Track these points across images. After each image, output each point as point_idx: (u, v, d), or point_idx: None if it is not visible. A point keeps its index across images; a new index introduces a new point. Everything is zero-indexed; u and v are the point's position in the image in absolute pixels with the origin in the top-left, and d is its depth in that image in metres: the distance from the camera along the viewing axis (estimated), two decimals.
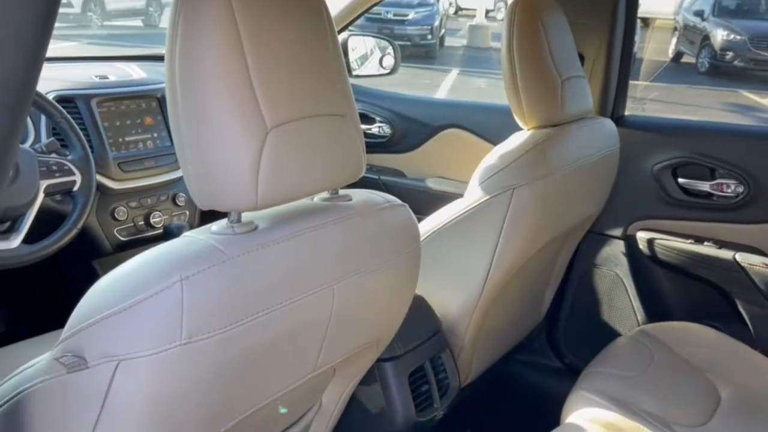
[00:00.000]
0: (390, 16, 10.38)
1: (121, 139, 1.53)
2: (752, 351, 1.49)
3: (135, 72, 1.69)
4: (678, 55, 10.89)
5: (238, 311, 0.66)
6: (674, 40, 11.00)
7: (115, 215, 1.53)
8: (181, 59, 0.67)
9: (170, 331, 0.62)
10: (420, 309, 1.30)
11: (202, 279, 0.63)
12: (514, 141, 1.33)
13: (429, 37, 10.66)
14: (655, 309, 1.73)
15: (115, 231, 1.54)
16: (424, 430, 1.27)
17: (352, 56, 2.19)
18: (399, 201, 0.90)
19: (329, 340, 0.82)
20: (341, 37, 2.08)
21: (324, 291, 0.76)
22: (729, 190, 1.61)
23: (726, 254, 1.60)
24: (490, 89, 7.98)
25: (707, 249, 1.63)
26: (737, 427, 1.27)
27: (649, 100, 7.32)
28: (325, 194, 0.84)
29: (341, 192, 0.84)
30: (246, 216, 0.73)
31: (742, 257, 1.57)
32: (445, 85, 8.60)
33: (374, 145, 2.12)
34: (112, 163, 1.49)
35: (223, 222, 0.72)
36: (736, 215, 1.62)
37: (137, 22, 11.57)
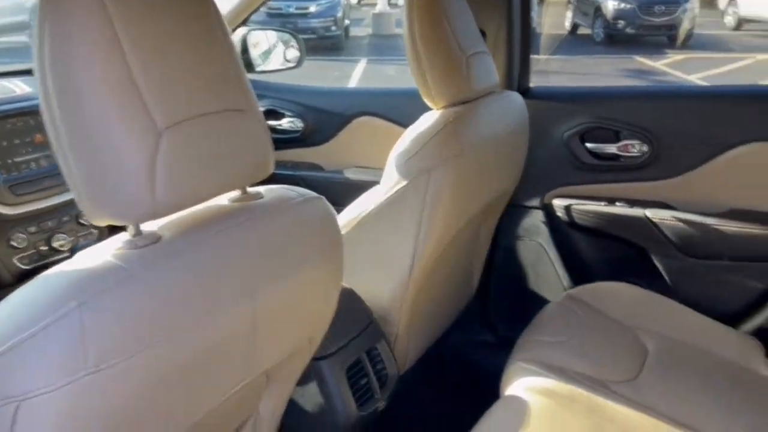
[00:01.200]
0: (292, 10, 10.23)
1: (10, 161, 1.42)
2: (671, 302, 1.55)
3: (19, 88, 1.57)
4: (574, 27, 11.32)
5: (150, 331, 0.61)
6: (569, 14, 11.43)
7: (13, 243, 1.41)
8: (52, 67, 0.61)
9: (74, 362, 0.56)
10: (350, 301, 1.27)
11: (103, 301, 0.58)
12: (425, 122, 1.32)
13: (333, 28, 10.59)
14: (579, 273, 1.78)
15: (14, 260, 1.42)
16: (367, 424, 1.25)
17: (255, 52, 2.13)
18: (314, 194, 0.87)
19: (257, 346, 0.78)
20: (240, 32, 2.01)
21: (244, 297, 0.72)
22: (634, 150, 1.67)
23: (637, 212, 1.66)
24: (400, 76, 8.01)
25: (620, 209, 1.69)
26: (666, 376, 1.32)
27: (552, 72, 7.56)
28: (234, 194, 0.80)
29: (251, 190, 0.80)
30: (148, 226, 0.68)
31: (652, 213, 1.64)
32: (356, 76, 8.58)
33: (288, 140, 2.07)
34: (3, 187, 1.37)
35: (123, 235, 0.66)
36: (643, 173, 1.68)
37: (23, 37, 10.87)
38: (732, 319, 1.57)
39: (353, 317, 1.26)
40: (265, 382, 0.95)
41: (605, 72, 8.36)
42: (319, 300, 0.89)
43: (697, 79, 7.77)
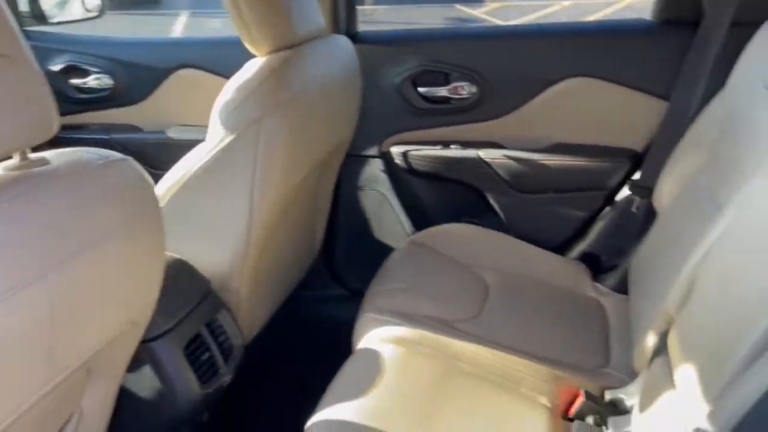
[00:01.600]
0: None
1: None
2: (507, 237, 1.61)
3: None
4: None
5: None
6: None
7: None
8: None
9: None
10: (181, 274, 1.16)
11: None
12: (249, 70, 1.21)
13: None
14: (420, 218, 1.79)
15: None
16: (214, 401, 1.16)
17: (48, 1, 1.86)
18: (120, 155, 0.75)
19: (61, 338, 0.66)
20: None
21: (34, 282, 0.59)
22: (464, 92, 1.69)
23: (471, 153, 1.69)
24: (228, 29, 7.59)
25: (454, 152, 1.70)
26: (506, 309, 1.37)
27: (379, 23, 7.59)
28: (12, 162, 0.65)
29: (34, 156, 0.66)
30: None
31: (485, 153, 1.68)
32: (177, 31, 7.99)
33: (96, 100, 1.84)
34: None
35: None
36: (473, 115, 1.71)
37: None
38: (561, 247, 1.67)
39: (187, 290, 1.15)
40: (86, 376, 0.83)
41: (430, 22, 8.56)
42: (136, 277, 0.77)
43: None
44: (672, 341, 1.01)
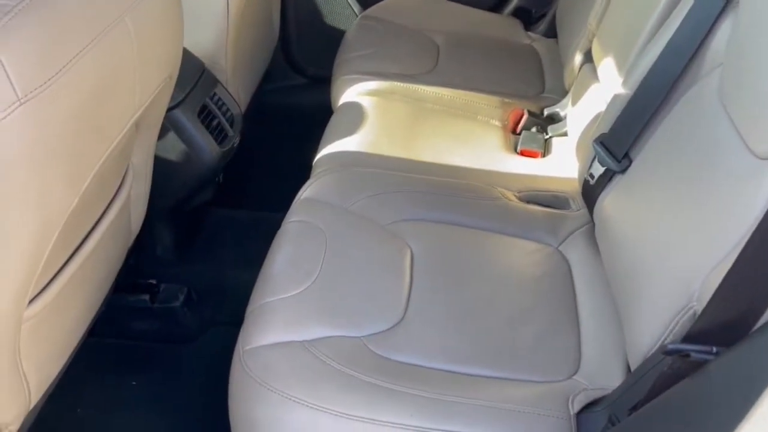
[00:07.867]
0: None
1: None
2: (449, 2, 1.79)
3: None
4: None
5: (59, 53, 0.65)
6: None
7: None
8: None
9: (2, 95, 0.59)
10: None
11: (12, 25, 0.60)
12: None
13: None
14: None
15: None
16: (225, 160, 1.37)
17: None
18: None
19: (139, 75, 0.83)
20: None
21: (120, 22, 0.76)
22: None
23: None
24: None
25: None
26: (457, 59, 1.60)
27: None
28: None
29: None
30: None
31: None
32: None
33: None
34: None
35: None
36: None
37: None
38: (496, 6, 1.87)
39: (187, 68, 1.29)
40: (135, 132, 1.01)
41: None
42: (168, 33, 0.93)
43: None
44: (595, 47, 1.27)
